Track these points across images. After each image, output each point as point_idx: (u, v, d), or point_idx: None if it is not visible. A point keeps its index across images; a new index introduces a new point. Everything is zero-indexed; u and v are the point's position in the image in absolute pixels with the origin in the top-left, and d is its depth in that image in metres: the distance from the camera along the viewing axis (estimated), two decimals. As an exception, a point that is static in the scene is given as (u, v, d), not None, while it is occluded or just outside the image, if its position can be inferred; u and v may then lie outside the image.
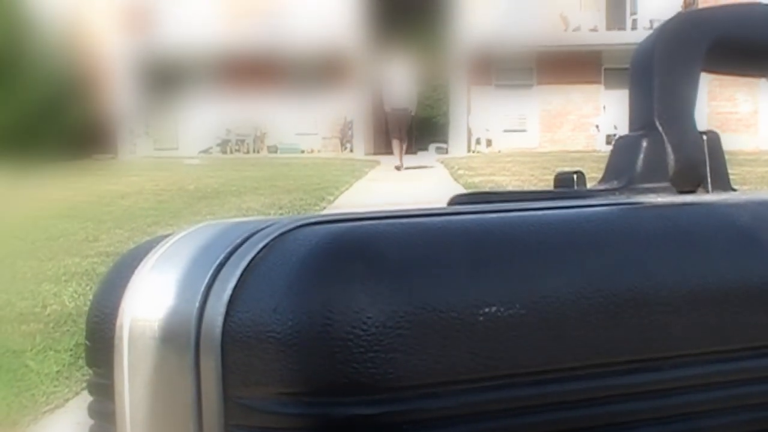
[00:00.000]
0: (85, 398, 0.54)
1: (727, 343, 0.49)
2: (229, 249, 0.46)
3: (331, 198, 9.53)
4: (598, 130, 20.40)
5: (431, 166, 15.20)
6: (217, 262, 0.46)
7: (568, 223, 0.49)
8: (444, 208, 0.51)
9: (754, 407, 0.50)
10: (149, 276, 0.49)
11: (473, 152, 20.29)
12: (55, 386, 2.93)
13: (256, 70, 20.39)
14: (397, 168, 14.13)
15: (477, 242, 0.46)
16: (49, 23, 15.79)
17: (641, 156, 0.58)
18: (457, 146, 20.65)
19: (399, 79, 14.19)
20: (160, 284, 0.48)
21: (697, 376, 0.48)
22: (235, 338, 0.43)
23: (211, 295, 0.45)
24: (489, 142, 21.01)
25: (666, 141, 0.58)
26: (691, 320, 0.48)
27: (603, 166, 0.61)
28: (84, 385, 2.60)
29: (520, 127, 21.26)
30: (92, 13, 18.26)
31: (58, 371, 3.07)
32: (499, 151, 19.80)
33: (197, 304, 0.45)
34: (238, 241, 0.46)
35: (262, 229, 0.47)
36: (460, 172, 12.30)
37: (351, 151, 21.13)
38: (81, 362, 3.02)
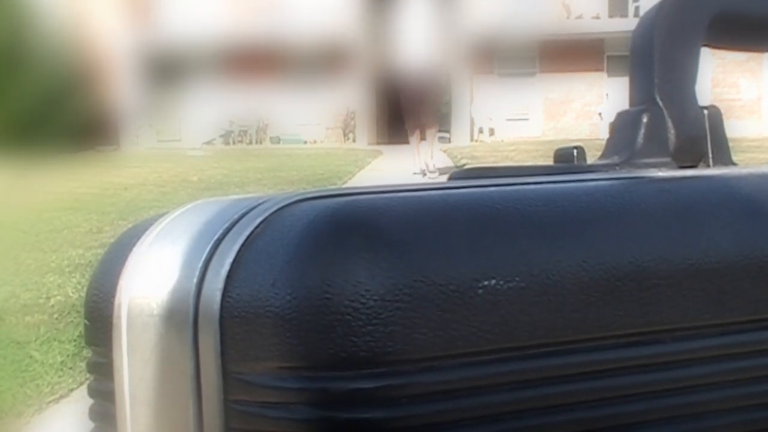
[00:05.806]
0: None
1: (728, 317, 0.49)
2: (226, 225, 0.46)
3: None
4: (601, 118, 20.33)
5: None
6: (215, 238, 0.46)
7: (568, 197, 0.49)
8: (443, 183, 0.51)
9: (755, 380, 0.50)
10: (147, 254, 0.49)
11: (476, 141, 20.24)
12: (59, 377, 2.93)
13: (259, 61, 20.35)
14: (423, 172, 9.20)
15: (476, 216, 0.46)
16: (52, 15, 15.77)
17: (642, 131, 0.58)
18: (459, 135, 20.58)
19: (416, 37, 8.94)
20: (158, 261, 0.48)
21: (698, 349, 0.48)
22: (234, 314, 0.43)
23: (209, 271, 0.45)
24: (492, 131, 20.96)
25: (667, 116, 0.57)
26: (691, 293, 0.48)
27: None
28: (88, 375, 2.60)
29: (523, 115, 21.20)
30: (94, 5, 18.23)
31: (62, 362, 3.07)
32: (502, 140, 19.76)
33: (195, 281, 0.45)
34: (236, 216, 0.46)
35: (260, 204, 0.47)
36: (464, 161, 12.27)
37: (354, 141, 21.09)
38: (85, 352, 3.03)
